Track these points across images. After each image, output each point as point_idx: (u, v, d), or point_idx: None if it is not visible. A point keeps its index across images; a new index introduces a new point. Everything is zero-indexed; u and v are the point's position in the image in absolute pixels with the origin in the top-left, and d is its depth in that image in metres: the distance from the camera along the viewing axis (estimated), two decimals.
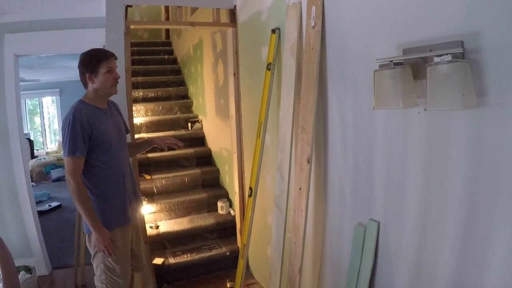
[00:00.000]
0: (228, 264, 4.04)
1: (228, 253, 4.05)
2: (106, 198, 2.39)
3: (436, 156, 1.57)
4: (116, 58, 2.45)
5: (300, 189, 2.43)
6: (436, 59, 1.35)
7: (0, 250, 1.74)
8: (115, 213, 2.43)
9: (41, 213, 5.95)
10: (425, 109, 1.40)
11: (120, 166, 2.48)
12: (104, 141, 2.36)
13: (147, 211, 4.19)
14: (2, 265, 1.64)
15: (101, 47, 3.80)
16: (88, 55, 2.37)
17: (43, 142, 11.45)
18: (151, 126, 5.45)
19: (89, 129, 2.29)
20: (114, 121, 2.55)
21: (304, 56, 2.42)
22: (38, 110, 11.39)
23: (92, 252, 2.44)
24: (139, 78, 6.11)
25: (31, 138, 10.51)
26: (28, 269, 3.41)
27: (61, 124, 2.33)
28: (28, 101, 11.12)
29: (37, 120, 11.48)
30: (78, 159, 2.25)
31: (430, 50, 1.48)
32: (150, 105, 5.75)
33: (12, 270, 1.64)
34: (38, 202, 6.68)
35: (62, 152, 2.31)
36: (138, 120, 5.34)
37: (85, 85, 2.41)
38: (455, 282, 1.54)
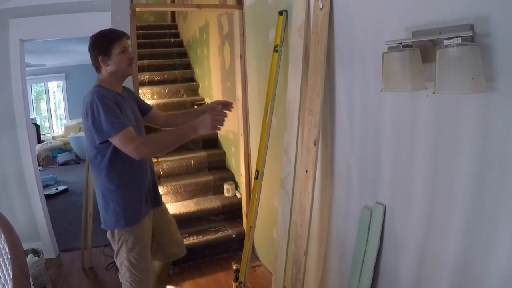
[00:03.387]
0: (234, 247, 4.07)
1: (234, 236, 4.08)
2: (131, 187, 2.28)
3: (444, 140, 1.56)
4: (128, 38, 2.32)
5: (306, 171, 2.43)
6: (446, 42, 1.34)
7: (9, 233, 1.75)
8: (141, 203, 2.33)
9: (48, 197, 6.00)
10: (433, 92, 1.39)
11: (143, 164, 2.35)
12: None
13: None
14: (10, 248, 1.65)
15: None
16: (99, 37, 2.24)
17: (49, 126, 11.48)
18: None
19: (118, 108, 2.16)
20: (130, 106, 2.40)
21: (312, 38, 2.40)
22: (44, 96, 11.39)
23: (115, 248, 2.33)
24: (145, 61, 6.10)
25: (38, 123, 10.54)
26: (36, 252, 3.45)
27: (83, 112, 2.16)
28: (34, 87, 11.12)
29: (43, 105, 11.49)
30: (127, 131, 2.07)
31: (440, 33, 1.46)
32: (156, 88, 5.73)
33: (20, 253, 1.65)
34: (45, 186, 6.73)
35: (97, 137, 2.08)
36: None
37: (98, 69, 2.27)
38: (461, 266, 1.54)
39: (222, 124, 2.19)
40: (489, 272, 1.42)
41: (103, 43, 2.21)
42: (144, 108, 2.59)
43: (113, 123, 2.05)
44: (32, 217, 4.08)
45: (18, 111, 3.87)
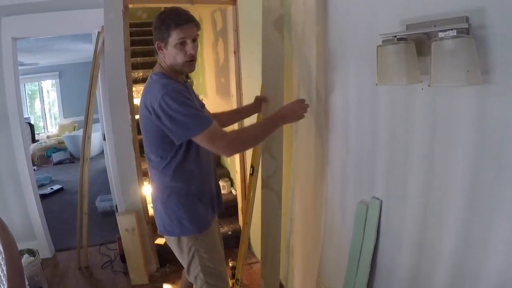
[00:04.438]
0: (229, 244, 4.04)
1: (229, 233, 4.07)
2: (200, 191, 2.08)
3: (440, 133, 1.56)
4: (194, 25, 1.90)
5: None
6: (441, 34, 1.33)
7: (3, 233, 1.74)
8: (210, 207, 2.15)
9: (43, 197, 5.98)
10: (429, 85, 1.38)
11: (207, 152, 2.11)
12: None
13: (149, 191, 4.20)
14: (5, 248, 1.63)
15: (99, 28, 3.77)
16: (160, 18, 1.89)
17: (43, 126, 11.44)
18: None
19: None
20: (196, 98, 2.15)
21: (306, 32, 2.39)
22: (38, 95, 11.34)
23: (186, 259, 2.12)
24: (139, 59, 6.06)
25: (32, 122, 10.50)
26: (31, 252, 3.43)
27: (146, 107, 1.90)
28: (27, 86, 11.06)
29: (37, 104, 11.44)
30: (214, 126, 1.83)
31: (434, 26, 1.45)
32: None
33: (15, 253, 1.63)
34: (40, 186, 6.71)
35: (178, 137, 1.87)
36: (138, 101, 5.28)
37: (157, 53, 1.98)
38: (457, 259, 1.54)
39: (306, 112, 2.09)
40: (486, 265, 1.41)
41: (160, 28, 1.88)
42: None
43: (198, 119, 1.81)
44: (27, 217, 4.06)
45: (12, 110, 3.84)
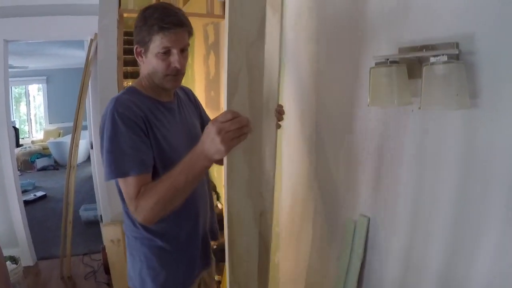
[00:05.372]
0: (215, 258, 4.04)
1: (215, 247, 4.05)
2: (171, 249, 1.63)
3: (428, 154, 1.59)
4: (188, 31, 1.50)
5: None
6: (432, 59, 1.36)
7: None
8: (182, 268, 1.68)
9: (26, 203, 5.90)
10: (419, 108, 1.42)
11: (194, 195, 1.62)
12: (172, 156, 1.48)
13: None
14: None
15: (92, 35, 3.77)
16: (142, 15, 1.47)
17: (28, 130, 11.34)
18: None
19: (145, 130, 1.44)
20: (185, 123, 1.70)
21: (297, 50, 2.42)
22: (24, 99, 11.26)
23: None
24: (129, 68, 6.04)
25: (17, 126, 10.42)
26: (13, 260, 3.39)
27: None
28: (15, 89, 10.99)
29: (23, 108, 11.35)
30: (133, 180, 1.37)
31: (425, 50, 1.49)
32: None
33: (1, 261, 1.63)
34: (23, 192, 6.62)
35: (105, 172, 1.44)
36: None
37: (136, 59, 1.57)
38: (444, 275, 1.56)
39: (240, 137, 1.24)
40: (471, 281, 1.44)
41: (141, 29, 1.46)
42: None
43: (112, 163, 1.38)
44: (10, 223, 4.02)
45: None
